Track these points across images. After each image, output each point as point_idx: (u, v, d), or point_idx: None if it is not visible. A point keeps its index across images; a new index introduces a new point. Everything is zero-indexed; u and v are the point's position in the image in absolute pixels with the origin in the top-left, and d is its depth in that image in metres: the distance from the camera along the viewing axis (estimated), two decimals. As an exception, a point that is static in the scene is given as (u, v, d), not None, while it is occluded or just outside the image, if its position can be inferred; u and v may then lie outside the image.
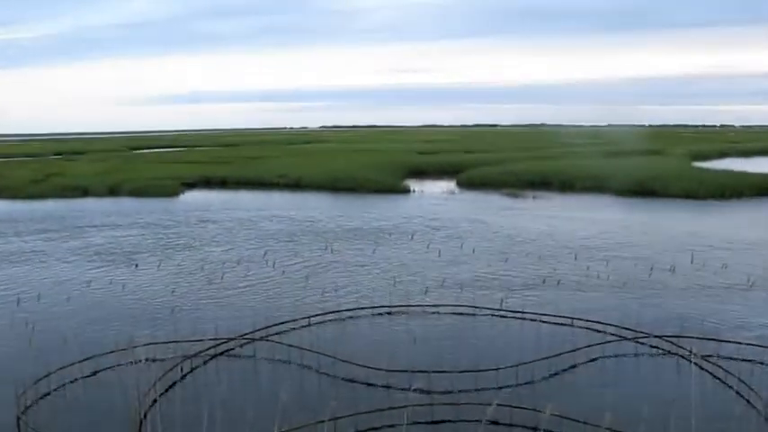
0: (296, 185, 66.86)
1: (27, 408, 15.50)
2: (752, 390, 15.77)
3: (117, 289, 26.66)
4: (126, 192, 61.42)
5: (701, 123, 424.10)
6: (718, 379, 17.03)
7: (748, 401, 15.55)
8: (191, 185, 67.54)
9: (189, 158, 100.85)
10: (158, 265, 30.77)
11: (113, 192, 61.94)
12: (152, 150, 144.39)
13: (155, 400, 15.81)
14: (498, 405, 14.58)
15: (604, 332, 20.37)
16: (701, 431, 13.33)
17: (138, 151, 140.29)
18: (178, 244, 36.19)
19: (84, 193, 61.37)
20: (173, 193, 61.97)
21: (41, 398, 16.22)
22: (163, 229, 41.39)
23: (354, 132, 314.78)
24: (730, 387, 16.44)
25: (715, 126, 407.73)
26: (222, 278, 28.22)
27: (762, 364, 17.59)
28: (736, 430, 13.65)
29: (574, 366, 18.08)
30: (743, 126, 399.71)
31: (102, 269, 30.22)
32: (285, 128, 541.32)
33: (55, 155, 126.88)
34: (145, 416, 14.89)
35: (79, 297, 25.53)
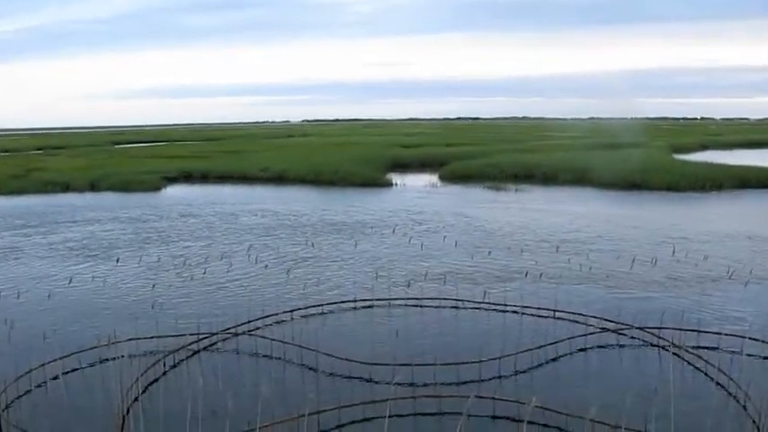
0: (278, 179, 66.72)
1: (8, 405, 15.39)
2: (731, 380, 15.91)
3: (98, 284, 26.51)
4: (107, 186, 61.04)
5: (682, 116, 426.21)
6: (699, 369, 17.17)
7: (728, 392, 15.70)
8: (173, 180, 67.24)
9: (171, 153, 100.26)
10: (139, 261, 30.62)
11: (95, 186, 61.51)
12: (134, 145, 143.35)
13: (137, 396, 15.76)
14: (481, 397, 14.63)
15: (586, 324, 20.49)
16: (681, 421, 13.44)
17: (119, 146, 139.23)
18: (160, 239, 36.02)
19: (66, 188, 60.87)
20: (155, 187, 61.69)
21: (23, 395, 16.11)
22: (144, 223, 41.18)
23: (336, 126, 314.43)
24: (710, 377, 16.60)
25: (696, 119, 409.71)
26: (204, 273, 28.13)
27: (741, 354, 17.75)
28: (715, 420, 13.77)
29: (556, 358, 18.17)
30: (723, 119, 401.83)
31: (83, 265, 30.03)
32: (267, 122, 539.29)
33: (36, 150, 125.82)
34: (128, 412, 14.82)
35: (60, 293, 25.35)
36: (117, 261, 30.58)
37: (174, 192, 60.04)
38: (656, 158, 71.28)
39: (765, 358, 17.67)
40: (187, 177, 69.81)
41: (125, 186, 60.71)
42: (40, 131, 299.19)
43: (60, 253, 32.59)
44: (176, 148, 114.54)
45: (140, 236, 36.94)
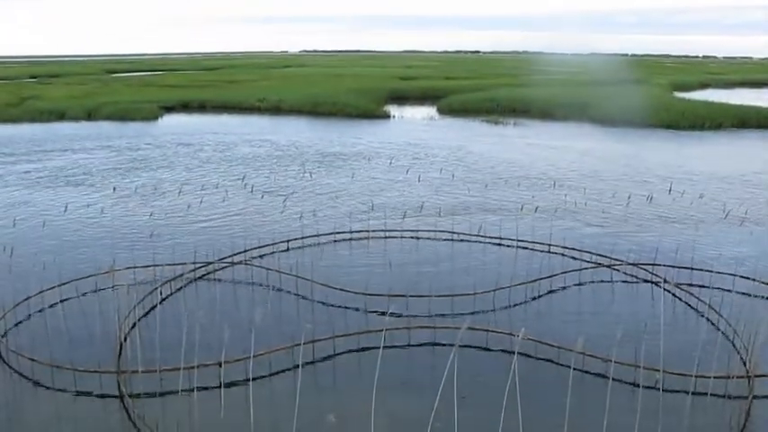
0: (276, 110, 66.31)
1: (6, 332, 15.54)
2: (721, 316, 16.11)
3: (95, 213, 26.55)
4: (104, 115, 60.54)
5: (683, 54, 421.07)
6: (690, 306, 17.37)
7: (717, 328, 15.91)
8: (170, 109, 66.72)
9: (168, 82, 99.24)
10: (135, 190, 30.61)
11: (91, 115, 60.98)
12: (130, 74, 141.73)
13: (134, 324, 15.93)
14: (473, 329, 14.79)
15: (581, 259, 20.65)
16: (671, 356, 13.62)
17: (115, 75, 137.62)
18: (156, 168, 35.93)
19: (61, 116, 60.34)
20: (151, 116, 61.26)
21: (21, 322, 16.26)
22: (141, 152, 41.03)
23: (335, 57, 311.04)
24: (701, 314, 16.80)
25: (698, 57, 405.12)
26: (201, 202, 28.16)
27: (731, 291, 17.92)
28: (704, 355, 13.96)
29: (550, 292, 18.35)
30: (726, 57, 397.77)
31: (79, 193, 30.02)
32: (265, 51, 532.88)
33: (30, 78, 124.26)
34: (125, 339, 15.01)
35: (56, 222, 25.40)
36: (113, 190, 30.56)
37: (172, 121, 59.67)
38: (656, 96, 70.76)
39: (755, 296, 17.86)
40: (184, 107, 69.22)
41: (122, 115, 60.22)
42: (34, 59, 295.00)
43: (56, 181, 32.53)
44: (173, 78, 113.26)
45: (137, 164, 36.85)
